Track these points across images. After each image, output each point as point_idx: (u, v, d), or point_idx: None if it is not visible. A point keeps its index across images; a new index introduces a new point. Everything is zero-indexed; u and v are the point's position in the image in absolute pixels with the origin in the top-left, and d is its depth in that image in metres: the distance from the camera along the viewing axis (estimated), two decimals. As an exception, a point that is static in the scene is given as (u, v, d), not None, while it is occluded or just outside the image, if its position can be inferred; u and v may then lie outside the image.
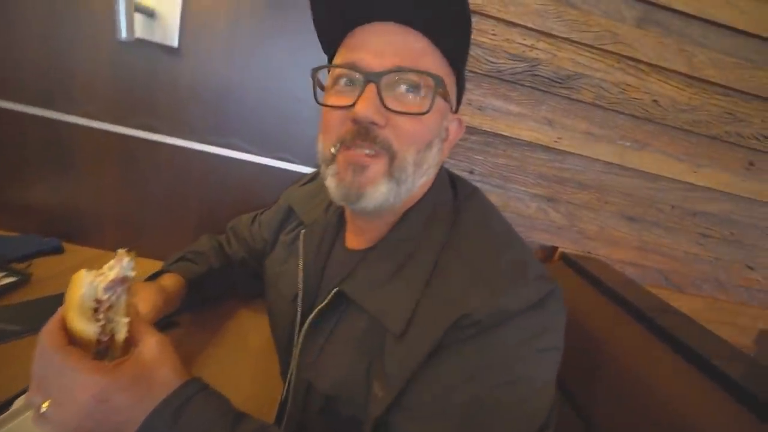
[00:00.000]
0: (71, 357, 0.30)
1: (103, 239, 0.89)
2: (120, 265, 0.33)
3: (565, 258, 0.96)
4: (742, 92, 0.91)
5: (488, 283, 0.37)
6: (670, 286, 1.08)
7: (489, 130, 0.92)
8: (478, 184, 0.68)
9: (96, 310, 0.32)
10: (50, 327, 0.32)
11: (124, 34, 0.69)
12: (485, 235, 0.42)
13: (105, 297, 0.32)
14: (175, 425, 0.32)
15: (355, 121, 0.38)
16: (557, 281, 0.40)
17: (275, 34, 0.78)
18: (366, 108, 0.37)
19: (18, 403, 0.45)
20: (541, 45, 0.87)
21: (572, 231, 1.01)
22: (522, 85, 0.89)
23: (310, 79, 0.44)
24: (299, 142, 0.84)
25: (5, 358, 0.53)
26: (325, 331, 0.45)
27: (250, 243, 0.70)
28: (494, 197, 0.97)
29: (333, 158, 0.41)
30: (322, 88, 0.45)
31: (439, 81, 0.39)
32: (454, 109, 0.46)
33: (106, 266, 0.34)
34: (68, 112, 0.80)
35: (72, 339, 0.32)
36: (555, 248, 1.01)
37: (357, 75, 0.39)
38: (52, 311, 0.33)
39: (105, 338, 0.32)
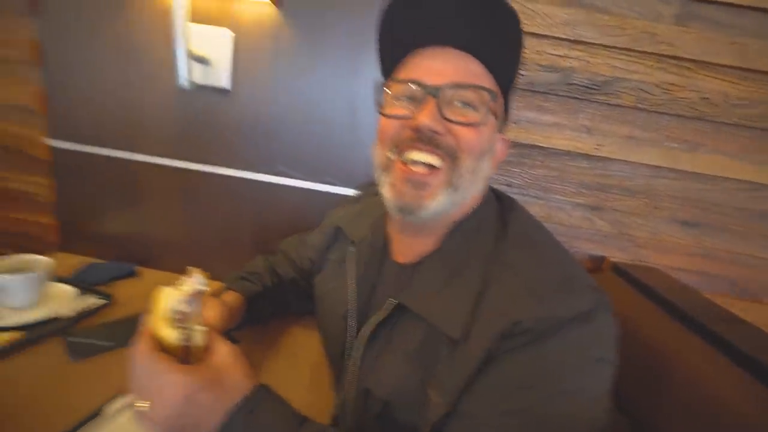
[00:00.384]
0: (161, 361, 0.35)
1: (170, 263, 0.99)
2: (194, 280, 0.38)
3: (616, 268, 0.91)
4: (805, 81, 0.84)
5: (537, 293, 0.38)
6: (742, 295, 0.99)
7: (525, 142, 0.92)
8: (517, 197, 0.68)
9: (178, 320, 0.37)
10: (143, 337, 0.37)
11: (183, 80, 0.79)
12: (532, 247, 0.44)
13: (185, 308, 0.37)
14: (249, 425, 0.35)
15: (417, 129, 0.41)
16: (606, 293, 0.39)
17: (309, 70, 0.85)
18: (428, 117, 0.40)
19: (111, 407, 0.52)
20: (573, 53, 0.86)
21: (620, 239, 0.97)
22: (556, 94, 0.89)
23: (372, 93, 0.47)
24: (339, 166, 0.90)
25: (99, 369, 0.61)
26: (381, 341, 0.47)
27: (297, 263, 0.74)
28: (535, 208, 0.95)
29: (389, 164, 0.44)
30: (380, 105, 0.47)
31: (493, 95, 0.42)
32: (500, 129, 0.48)
33: (182, 282, 0.38)
34: (138, 152, 0.92)
35: (160, 347, 0.37)
36: (603, 258, 0.97)
37: (417, 89, 0.42)
38: (135, 328, 0.39)
39: (187, 344, 0.37)
